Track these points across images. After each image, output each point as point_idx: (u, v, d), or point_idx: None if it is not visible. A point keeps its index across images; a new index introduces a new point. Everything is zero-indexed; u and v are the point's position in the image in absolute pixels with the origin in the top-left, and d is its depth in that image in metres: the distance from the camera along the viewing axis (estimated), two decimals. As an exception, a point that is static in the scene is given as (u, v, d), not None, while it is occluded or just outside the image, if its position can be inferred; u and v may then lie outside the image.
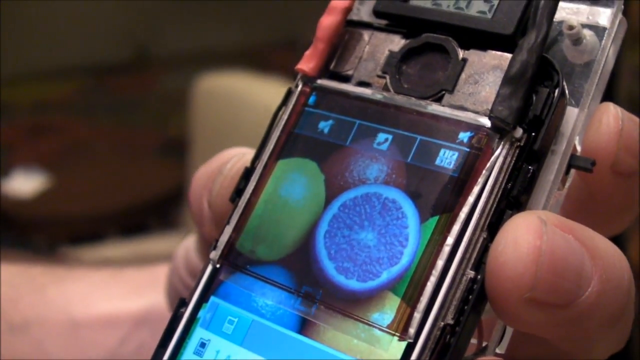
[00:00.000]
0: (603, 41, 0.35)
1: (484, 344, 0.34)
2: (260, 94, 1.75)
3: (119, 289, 0.59)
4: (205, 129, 1.84)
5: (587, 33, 0.35)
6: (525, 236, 0.31)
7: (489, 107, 0.34)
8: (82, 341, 0.56)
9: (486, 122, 0.34)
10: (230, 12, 3.19)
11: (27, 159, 2.71)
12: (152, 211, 2.43)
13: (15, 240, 2.31)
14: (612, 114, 0.35)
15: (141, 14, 3.15)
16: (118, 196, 2.44)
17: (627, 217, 0.39)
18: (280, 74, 1.94)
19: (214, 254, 0.37)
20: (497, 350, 0.34)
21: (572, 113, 0.34)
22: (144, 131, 3.09)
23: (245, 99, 1.77)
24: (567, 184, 0.35)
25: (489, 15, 0.36)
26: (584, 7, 0.36)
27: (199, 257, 0.47)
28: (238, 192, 0.38)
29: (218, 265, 0.36)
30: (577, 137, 0.35)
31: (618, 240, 0.36)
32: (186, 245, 0.49)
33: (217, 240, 0.37)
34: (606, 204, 0.37)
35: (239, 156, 0.41)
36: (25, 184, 2.54)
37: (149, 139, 3.03)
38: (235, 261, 0.36)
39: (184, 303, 0.37)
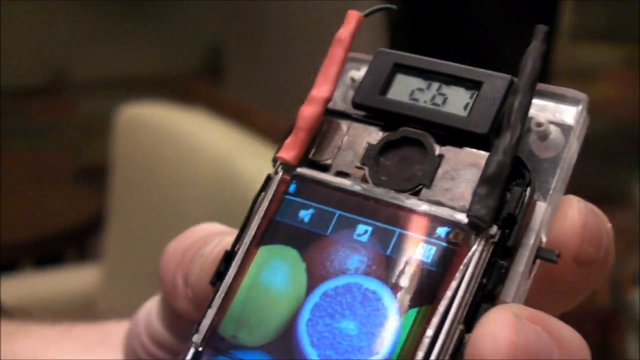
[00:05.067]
0: (569, 138, 0.37)
1: None
2: (183, 126, 1.75)
3: (70, 346, 0.59)
4: (126, 158, 1.82)
5: (553, 129, 0.37)
6: (503, 331, 0.33)
7: (465, 204, 0.36)
8: None
9: (463, 218, 0.35)
10: (152, 39, 3.17)
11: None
12: (69, 241, 2.38)
13: None
14: (576, 209, 0.37)
15: (58, 38, 3.11)
16: (32, 225, 2.36)
17: (581, 298, 0.42)
18: (202, 104, 1.94)
19: (197, 337, 0.37)
20: None
21: (540, 208, 0.36)
22: (60, 157, 3.04)
23: (167, 131, 1.76)
24: (533, 273, 0.37)
25: (465, 114, 0.37)
26: (550, 104, 0.38)
27: (161, 325, 0.48)
28: (219, 275, 0.38)
29: (200, 349, 0.37)
30: (543, 230, 0.37)
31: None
32: (147, 310, 0.50)
33: (199, 323, 0.37)
34: (565, 288, 0.40)
35: (220, 238, 0.42)
36: None
37: (64, 166, 2.98)
38: (217, 345, 0.37)
39: None
